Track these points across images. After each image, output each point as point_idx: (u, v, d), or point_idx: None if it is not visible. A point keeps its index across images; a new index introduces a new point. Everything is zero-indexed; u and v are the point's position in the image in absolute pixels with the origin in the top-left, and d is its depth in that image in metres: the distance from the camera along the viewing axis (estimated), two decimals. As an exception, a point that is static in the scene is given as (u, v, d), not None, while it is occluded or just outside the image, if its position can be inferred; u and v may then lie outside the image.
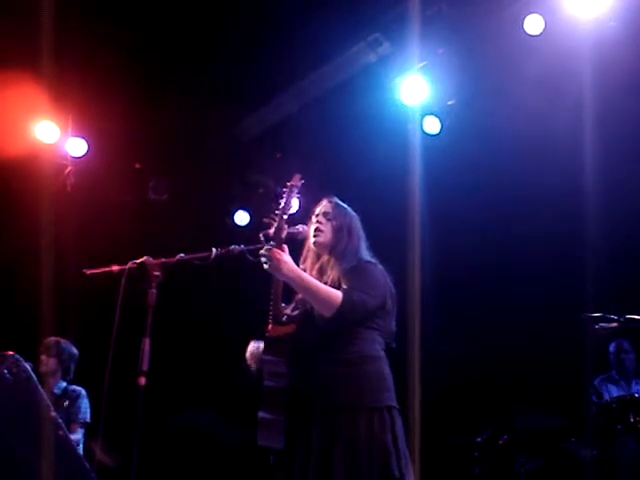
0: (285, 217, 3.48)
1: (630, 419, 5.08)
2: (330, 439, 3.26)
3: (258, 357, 3.53)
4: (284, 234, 3.45)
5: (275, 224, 3.45)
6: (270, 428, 3.37)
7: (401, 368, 5.18)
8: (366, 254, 3.57)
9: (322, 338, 3.37)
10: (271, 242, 3.42)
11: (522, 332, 6.32)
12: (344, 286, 3.38)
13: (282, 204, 3.50)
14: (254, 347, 3.59)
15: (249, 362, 3.61)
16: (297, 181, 3.59)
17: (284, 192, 3.55)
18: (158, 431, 6.19)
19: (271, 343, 3.42)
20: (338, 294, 3.32)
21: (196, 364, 7.15)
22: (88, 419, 5.35)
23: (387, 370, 3.45)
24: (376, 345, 3.44)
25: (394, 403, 3.41)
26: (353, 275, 3.42)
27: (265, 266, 3.37)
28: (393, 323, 3.53)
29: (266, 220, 3.53)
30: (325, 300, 3.32)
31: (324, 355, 3.36)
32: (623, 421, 5.10)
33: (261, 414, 3.40)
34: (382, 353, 3.46)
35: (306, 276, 3.38)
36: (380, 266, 3.53)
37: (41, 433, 3.45)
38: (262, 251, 3.38)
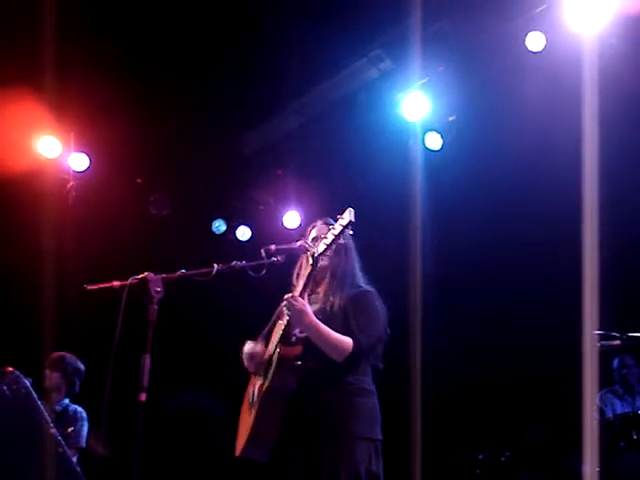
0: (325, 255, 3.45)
1: (633, 436, 5.05)
2: (333, 464, 3.33)
3: (253, 358, 3.65)
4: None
5: (308, 271, 3.45)
6: (260, 441, 3.46)
7: (402, 383, 5.18)
8: (361, 278, 3.66)
9: (325, 366, 3.46)
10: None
11: (524, 346, 6.30)
12: (351, 321, 3.46)
13: (329, 241, 3.39)
14: (250, 348, 3.69)
15: (246, 363, 3.71)
16: (352, 217, 3.38)
17: (334, 228, 3.40)
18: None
19: (282, 363, 3.49)
20: (349, 343, 3.43)
21: (197, 377, 7.14)
22: (83, 445, 5.28)
23: (378, 405, 3.57)
24: (370, 378, 3.58)
25: (382, 437, 3.53)
26: (357, 309, 3.52)
27: (286, 312, 3.46)
28: (382, 348, 3.61)
29: (301, 244, 3.55)
30: (337, 349, 3.43)
31: (326, 382, 3.47)
32: (625, 438, 5.07)
33: (256, 424, 3.46)
34: (374, 387, 3.58)
35: (322, 327, 3.44)
36: (376, 293, 3.62)
37: (41, 450, 3.44)
38: (286, 298, 3.45)
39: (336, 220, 3.39)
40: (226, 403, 6.89)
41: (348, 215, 3.32)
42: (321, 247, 3.39)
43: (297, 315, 3.41)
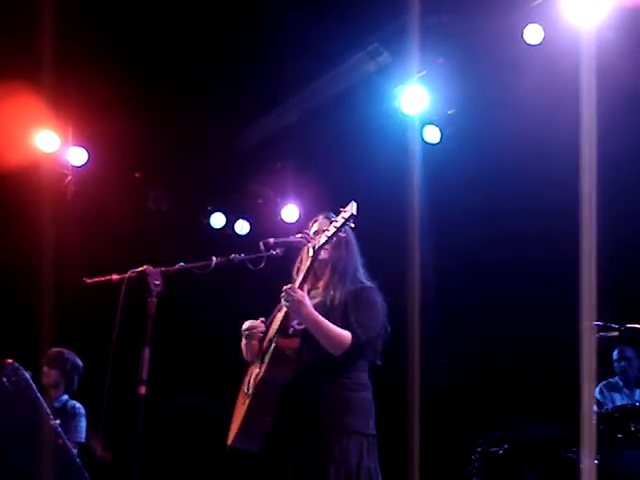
0: (325, 247, 3.47)
1: (631, 428, 5.06)
2: (323, 458, 3.34)
3: (252, 335, 3.63)
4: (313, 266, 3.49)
5: (309, 261, 3.46)
6: (253, 431, 3.45)
7: (401, 377, 5.19)
8: (362, 273, 3.64)
9: (322, 359, 3.45)
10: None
11: (523, 340, 6.32)
12: (351, 316, 3.45)
13: (330, 233, 3.38)
14: (249, 323, 3.67)
15: (243, 342, 3.68)
16: (355, 210, 3.36)
17: (335, 222, 3.39)
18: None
19: (279, 354, 3.47)
20: (348, 337, 3.41)
21: (196, 371, 7.15)
22: (83, 439, 5.28)
23: (373, 400, 3.55)
24: (366, 374, 3.57)
25: (376, 433, 3.52)
26: (357, 304, 3.50)
27: (285, 304, 3.45)
28: (381, 345, 3.59)
29: (299, 237, 3.56)
30: (335, 342, 3.42)
31: (323, 376, 3.46)
32: (624, 430, 5.08)
33: (249, 414, 3.45)
34: (370, 383, 3.57)
35: (321, 318, 3.43)
36: (377, 289, 3.60)
37: (40, 442, 3.44)
38: (285, 289, 3.44)
39: (338, 213, 3.39)
40: (225, 397, 6.92)
41: (351, 208, 3.32)
42: (322, 239, 3.39)
43: (295, 306, 3.40)
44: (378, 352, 3.56)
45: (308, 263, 3.45)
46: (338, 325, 3.44)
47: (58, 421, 3.65)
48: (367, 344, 3.46)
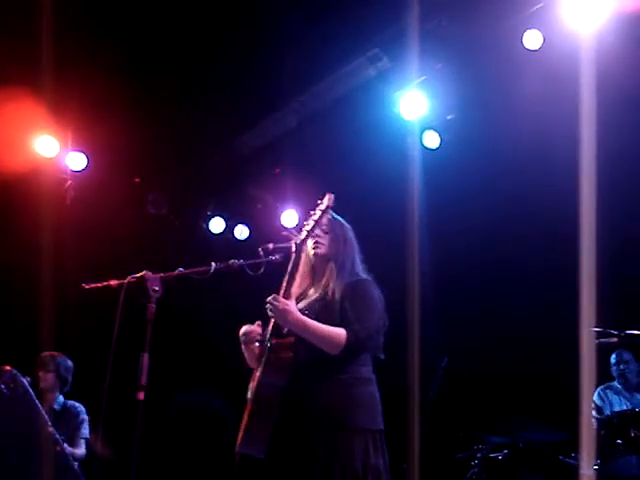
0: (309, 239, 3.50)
1: (631, 434, 5.05)
2: (328, 458, 3.30)
3: (249, 339, 3.61)
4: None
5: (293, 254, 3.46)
6: (255, 436, 3.42)
7: (400, 381, 5.19)
8: (361, 268, 3.62)
9: (318, 356, 3.42)
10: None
11: (522, 343, 6.31)
12: (348, 310, 3.43)
13: (310, 227, 3.43)
14: (245, 329, 3.65)
15: (243, 347, 3.65)
16: (331, 202, 3.45)
17: (314, 214, 3.45)
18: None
19: (274, 355, 3.45)
20: (342, 334, 3.38)
21: (195, 376, 7.15)
22: (88, 435, 5.36)
23: (378, 394, 3.51)
24: (369, 367, 3.52)
25: (383, 427, 3.48)
26: (354, 298, 3.47)
27: (270, 314, 3.43)
28: (382, 338, 3.56)
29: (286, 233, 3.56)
30: (330, 342, 3.39)
31: (321, 373, 3.42)
32: (624, 436, 5.07)
33: (250, 421, 3.44)
34: (374, 376, 3.53)
35: (310, 322, 3.41)
36: (373, 282, 3.59)
37: (38, 448, 3.44)
38: (268, 300, 3.42)
39: (316, 207, 3.45)
40: (225, 401, 6.91)
41: (327, 200, 3.38)
42: (303, 234, 3.43)
43: (281, 315, 3.38)
44: (379, 345, 3.52)
45: (292, 259, 3.46)
46: (336, 319, 3.42)
47: (52, 429, 3.64)
48: (367, 339, 3.42)
